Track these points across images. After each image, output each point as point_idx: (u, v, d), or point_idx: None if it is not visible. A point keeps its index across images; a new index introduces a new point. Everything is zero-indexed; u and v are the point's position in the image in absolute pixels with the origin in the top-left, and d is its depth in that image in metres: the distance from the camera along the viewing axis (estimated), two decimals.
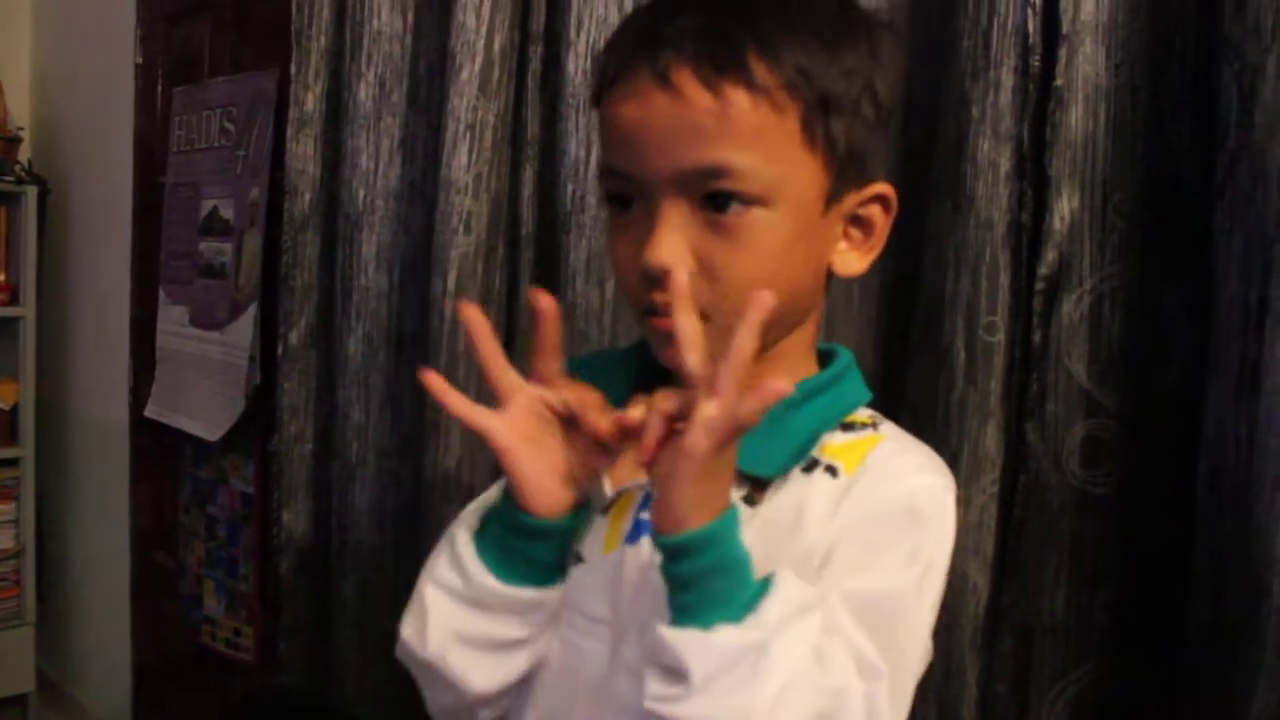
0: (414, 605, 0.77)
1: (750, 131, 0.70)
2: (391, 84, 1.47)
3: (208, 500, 2.13)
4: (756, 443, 0.69)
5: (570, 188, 1.26)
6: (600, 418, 0.71)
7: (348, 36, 1.48)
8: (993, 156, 0.94)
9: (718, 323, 0.70)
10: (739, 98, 0.69)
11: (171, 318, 2.15)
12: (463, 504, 1.31)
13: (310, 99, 1.57)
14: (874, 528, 0.71)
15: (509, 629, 0.75)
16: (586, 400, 0.73)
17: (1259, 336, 0.79)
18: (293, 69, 1.57)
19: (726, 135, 0.69)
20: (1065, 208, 0.93)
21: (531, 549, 0.74)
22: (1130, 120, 0.93)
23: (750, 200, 0.70)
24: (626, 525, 0.76)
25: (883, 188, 0.77)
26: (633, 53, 0.73)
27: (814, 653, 0.64)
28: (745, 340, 0.63)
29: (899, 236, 0.81)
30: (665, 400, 0.66)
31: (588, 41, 1.24)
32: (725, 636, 0.63)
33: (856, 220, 0.77)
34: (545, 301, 0.72)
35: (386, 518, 1.51)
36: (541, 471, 0.72)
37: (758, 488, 0.73)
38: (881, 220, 0.77)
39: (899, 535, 0.71)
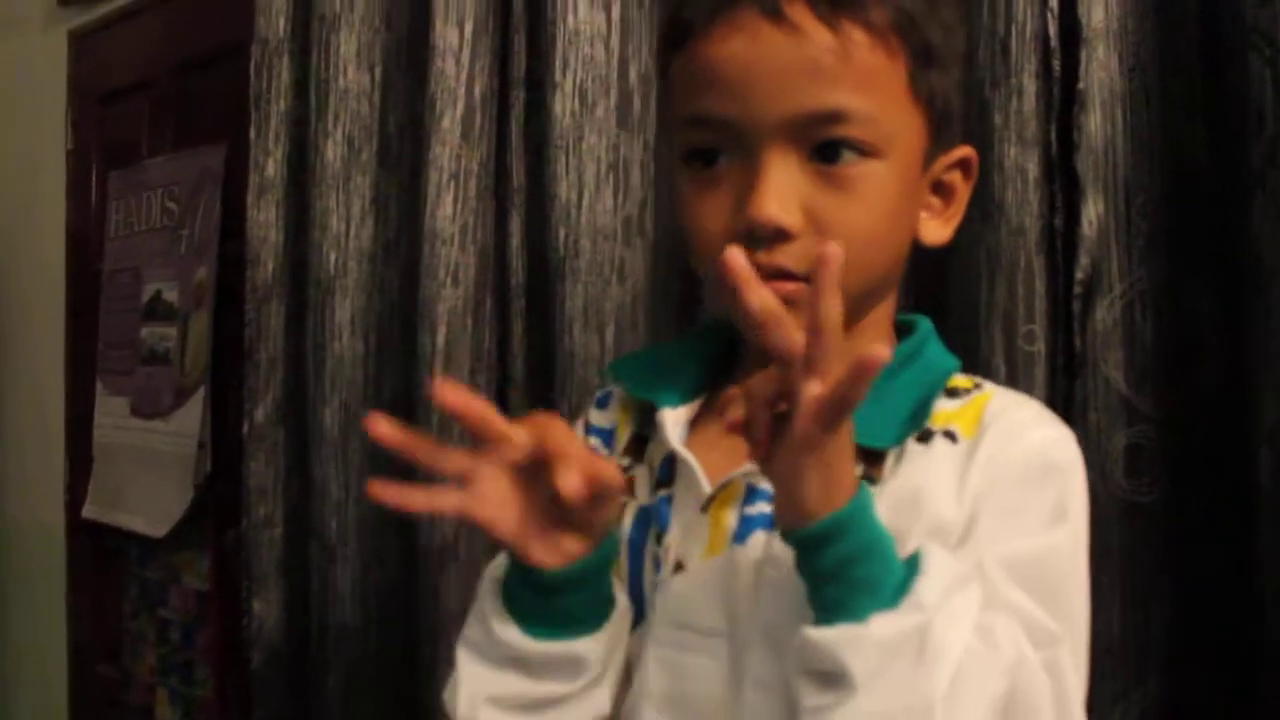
0: (455, 666, 0.71)
1: (868, 74, 0.66)
2: (361, 142, 1.42)
3: (158, 603, 2.00)
4: (863, 416, 0.63)
5: (563, 232, 1.22)
6: (566, 475, 0.62)
7: (312, 97, 1.44)
8: (1020, 162, 0.93)
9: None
10: (859, 36, 0.65)
11: (110, 410, 2.04)
12: (460, 576, 1.28)
13: (271, 164, 1.52)
14: (1011, 490, 0.65)
15: (546, 687, 0.67)
16: (557, 448, 0.64)
17: None
18: (252, 134, 1.51)
19: (846, 77, 0.65)
20: (1093, 212, 0.92)
21: (555, 603, 0.67)
22: (1146, 124, 0.93)
23: (865, 150, 0.66)
24: (732, 523, 0.69)
25: (967, 151, 0.74)
26: None
27: (980, 630, 0.57)
28: (830, 305, 0.56)
29: (920, 247, 0.78)
30: (762, 385, 0.59)
31: (575, 82, 1.21)
32: (883, 626, 0.56)
33: (938, 187, 0.74)
34: (448, 399, 0.65)
35: (371, 599, 1.42)
36: (532, 531, 0.65)
37: (873, 463, 0.68)
38: (962, 187, 0.75)
39: (1038, 493, 0.65)
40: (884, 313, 0.76)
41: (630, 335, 1.21)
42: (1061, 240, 0.93)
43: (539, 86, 1.26)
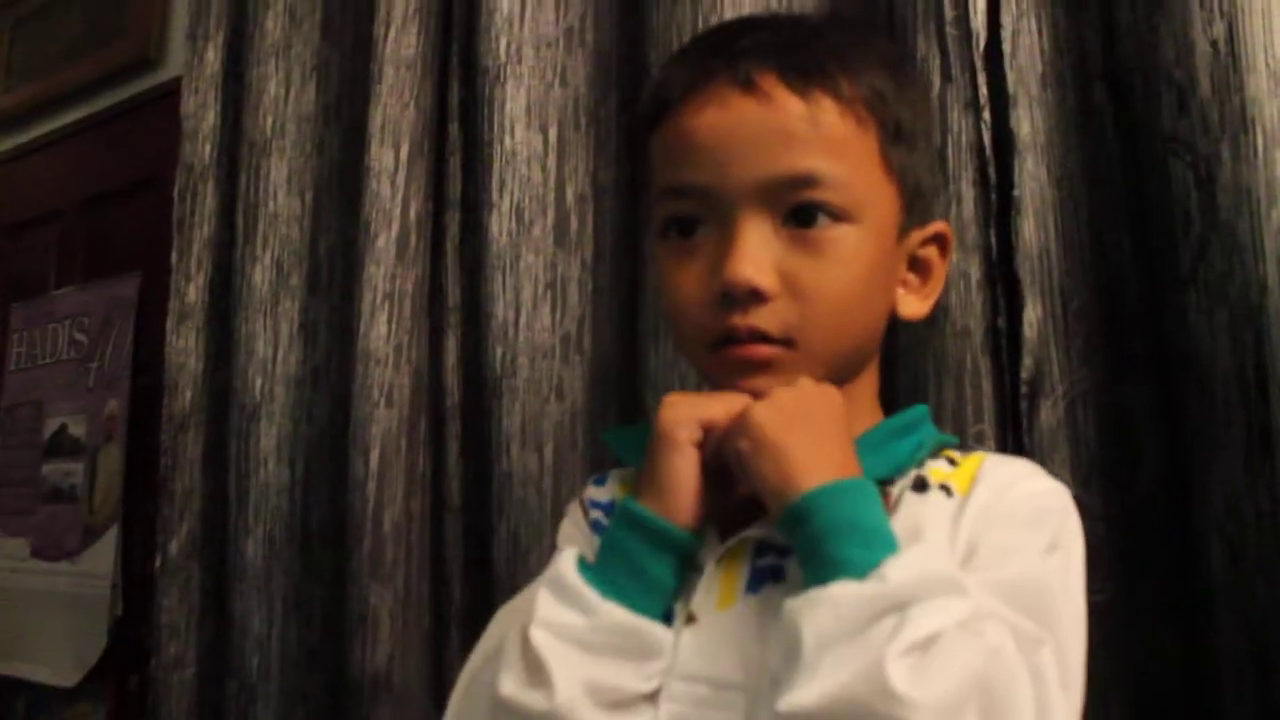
0: (513, 658, 0.64)
1: (839, 141, 0.67)
2: (290, 267, 1.41)
3: None
4: (871, 456, 0.66)
5: (500, 350, 1.21)
6: None
7: (240, 222, 1.43)
8: (963, 267, 0.96)
9: (806, 347, 0.67)
10: (829, 104, 0.67)
11: (6, 552, 1.93)
12: (392, 707, 1.22)
13: (193, 290, 1.49)
14: (1004, 532, 0.65)
15: (633, 679, 0.64)
16: None
17: (1264, 401, 0.81)
18: (174, 259, 1.49)
19: (817, 142, 0.67)
20: (1032, 314, 0.95)
21: (667, 571, 0.66)
22: (1076, 231, 0.97)
23: (838, 214, 0.68)
24: (743, 575, 0.68)
25: (941, 226, 0.76)
26: (708, 64, 0.70)
27: (963, 625, 0.56)
28: None
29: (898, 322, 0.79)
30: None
31: (512, 202, 1.22)
32: (841, 590, 0.57)
33: (914, 263, 0.75)
34: None
35: None
36: (697, 479, 0.67)
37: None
38: (939, 263, 0.76)
39: (1031, 533, 0.65)
40: (867, 386, 0.76)
41: (570, 454, 1.19)
42: (1006, 341, 0.95)
43: (475, 207, 1.27)
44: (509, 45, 1.24)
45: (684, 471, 0.67)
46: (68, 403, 1.85)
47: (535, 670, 0.63)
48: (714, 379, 0.74)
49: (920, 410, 0.77)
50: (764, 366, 0.68)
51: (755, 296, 0.67)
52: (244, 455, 1.38)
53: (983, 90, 0.97)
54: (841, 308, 0.68)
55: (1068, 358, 0.96)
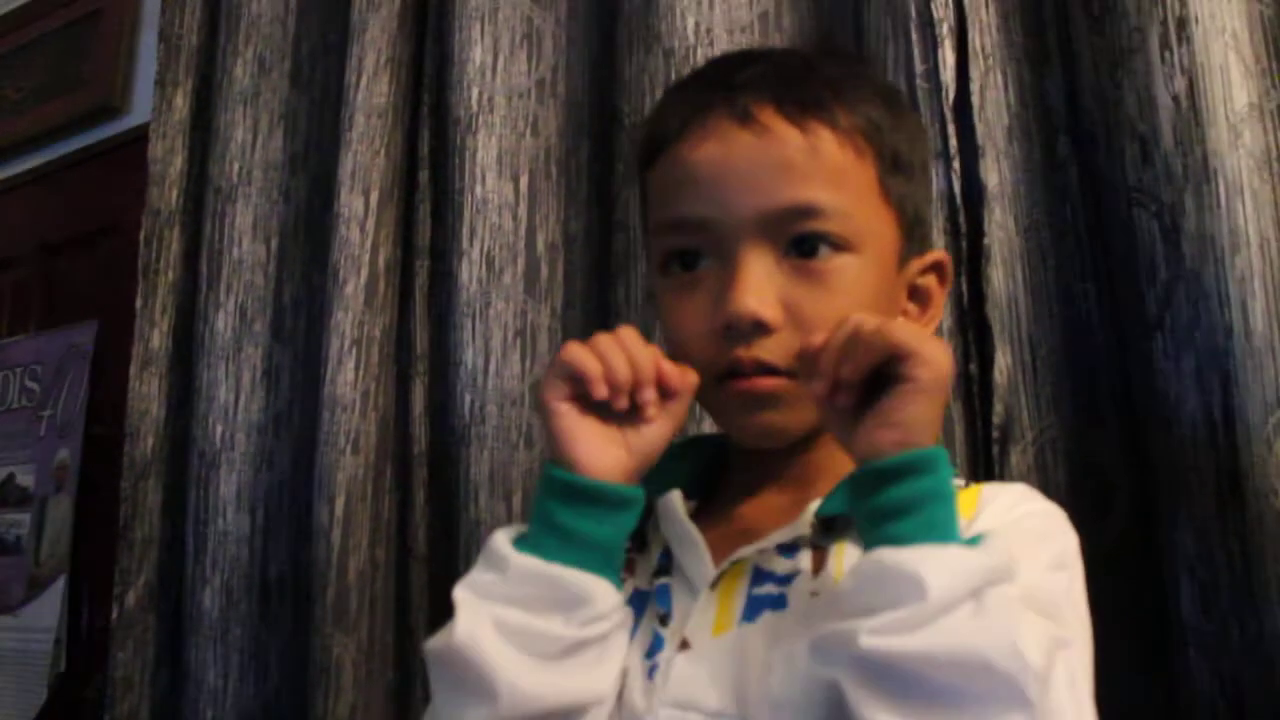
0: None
1: (838, 171, 0.68)
2: (254, 313, 1.40)
3: None
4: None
5: (468, 398, 1.20)
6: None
7: (204, 267, 1.41)
8: None
9: (803, 375, 0.65)
10: (827, 135, 0.68)
11: None
12: None
13: (157, 335, 1.47)
14: (1012, 545, 0.63)
15: (563, 627, 0.63)
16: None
17: (1232, 445, 0.83)
18: (138, 304, 1.47)
19: (816, 173, 0.67)
20: (1003, 361, 0.97)
21: (585, 522, 0.65)
22: (1043, 280, 0.99)
23: (840, 244, 0.68)
24: (740, 602, 0.67)
25: (940, 255, 0.77)
26: (706, 97, 0.70)
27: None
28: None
29: None
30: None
31: (482, 250, 1.23)
32: (961, 554, 0.57)
33: (913, 292, 0.75)
34: None
35: None
36: (593, 429, 0.67)
37: None
38: (938, 291, 0.76)
39: (1038, 547, 0.65)
40: None
41: None
42: (978, 387, 0.97)
43: (444, 254, 1.27)
44: (481, 95, 1.26)
45: (567, 427, 0.67)
46: (17, 452, 1.81)
47: (448, 624, 0.64)
48: (718, 412, 0.74)
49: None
50: (768, 400, 0.68)
51: (759, 329, 0.67)
52: (203, 503, 1.36)
53: (953, 141, 0.99)
54: None
55: (1037, 404, 0.97)
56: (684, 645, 0.66)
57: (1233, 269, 0.84)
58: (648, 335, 1.08)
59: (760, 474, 0.74)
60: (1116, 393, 0.95)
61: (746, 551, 0.68)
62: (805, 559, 0.67)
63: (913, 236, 0.73)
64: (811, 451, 0.73)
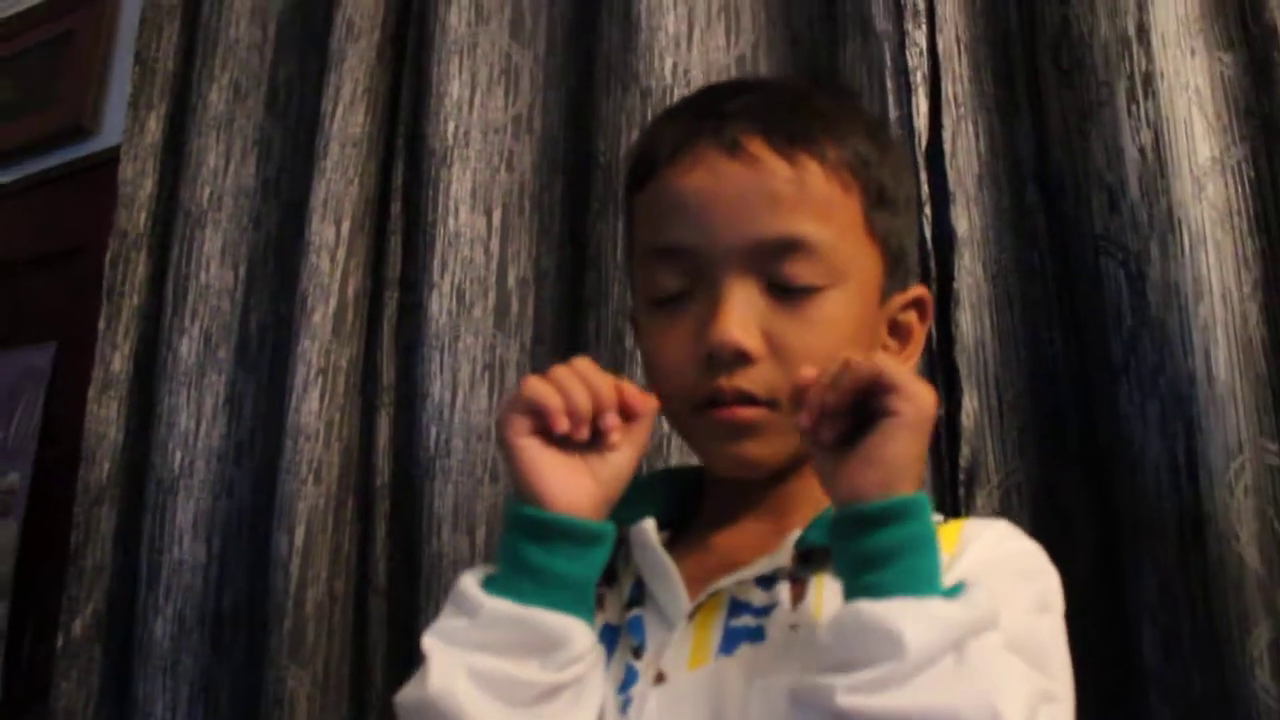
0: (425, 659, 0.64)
1: (825, 204, 0.68)
2: (219, 339, 1.38)
3: None
4: None
5: (434, 430, 1.19)
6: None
7: (170, 292, 1.40)
8: None
9: (790, 410, 0.65)
10: (814, 168, 0.68)
11: None
12: None
13: (119, 359, 1.45)
14: (995, 583, 0.63)
15: (538, 672, 0.62)
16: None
17: (1195, 490, 0.84)
18: (101, 326, 1.45)
19: (803, 205, 0.68)
20: (970, 405, 0.98)
21: (558, 560, 0.64)
22: (1010, 325, 1.00)
23: (824, 279, 0.68)
24: (717, 635, 0.66)
25: (921, 291, 0.77)
26: (694, 127, 0.70)
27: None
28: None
29: None
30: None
31: (453, 283, 1.22)
32: (943, 607, 0.56)
33: (894, 328, 0.76)
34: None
35: None
36: (558, 462, 0.66)
37: None
38: (918, 327, 0.77)
39: (1022, 588, 0.65)
40: None
41: None
42: (945, 430, 0.97)
43: (414, 286, 1.26)
44: (457, 129, 1.26)
45: (531, 462, 0.66)
46: None
47: (420, 674, 0.63)
48: (697, 441, 0.74)
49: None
50: (748, 429, 0.68)
51: (741, 359, 0.67)
52: (158, 530, 1.33)
53: (924, 187, 1.01)
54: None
55: (1003, 447, 0.98)
56: (659, 679, 0.66)
57: (1196, 317, 0.86)
58: (619, 372, 1.10)
59: (737, 504, 0.74)
60: (1082, 437, 0.96)
61: (725, 583, 0.67)
62: (784, 591, 0.67)
63: (895, 272, 0.74)
64: (789, 482, 0.73)
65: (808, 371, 0.64)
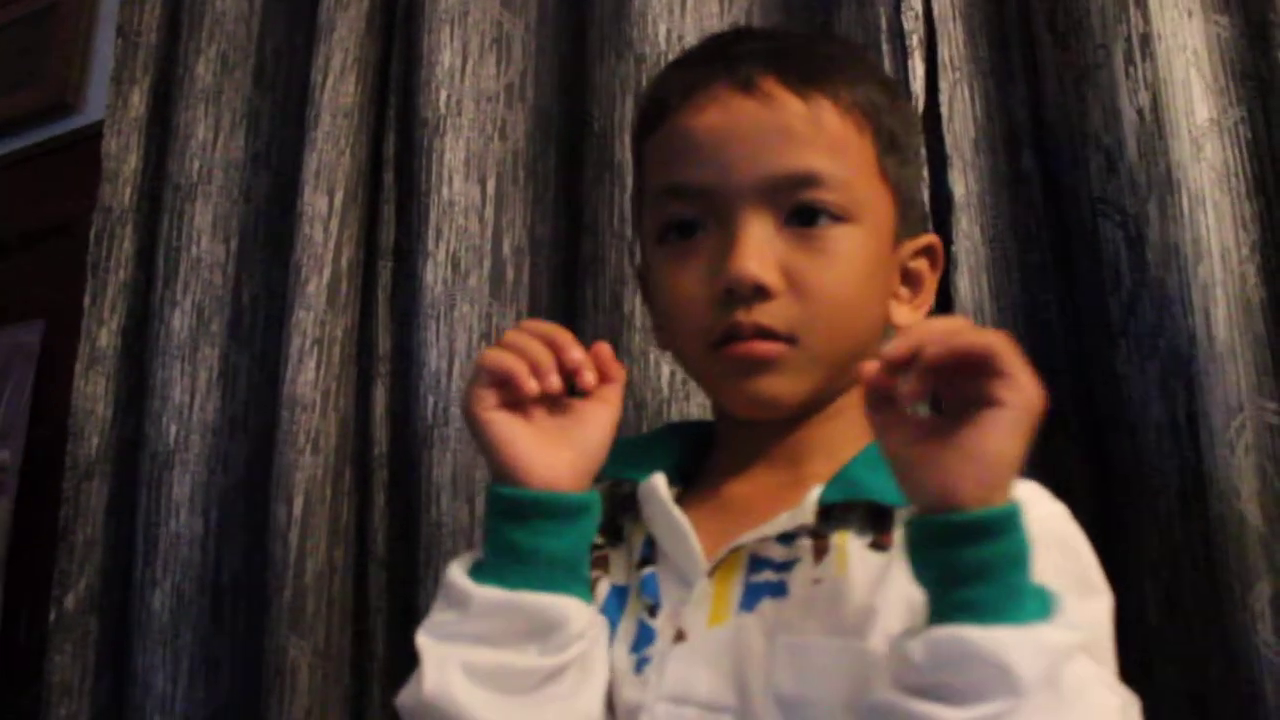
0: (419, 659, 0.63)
1: (839, 142, 0.68)
2: (212, 313, 1.38)
3: None
4: (873, 479, 0.63)
5: (431, 400, 1.19)
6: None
7: (160, 266, 1.39)
8: None
9: (809, 346, 0.66)
10: (828, 106, 0.68)
11: None
12: None
13: (105, 334, 1.44)
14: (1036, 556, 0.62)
15: (535, 657, 0.61)
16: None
17: (1195, 448, 0.85)
18: (86, 302, 1.44)
19: (818, 141, 0.67)
20: None
21: (543, 538, 0.63)
22: (1007, 289, 1.01)
23: (839, 215, 0.68)
24: (737, 591, 0.65)
25: (932, 238, 0.77)
26: (706, 69, 0.70)
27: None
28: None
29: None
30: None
31: (448, 251, 1.22)
32: (1049, 635, 0.52)
33: (905, 276, 0.75)
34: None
35: None
36: (530, 432, 0.64)
37: (881, 529, 0.65)
38: (929, 276, 0.76)
39: (1060, 569, 0.61)
40: (859, 399, 0.74)
41: None
42: None
43: (408, 255, 1.26)
44: (449, 98, 1.25)
45: (502, 435, 0.64)
46: None
47: (416, 674, 0.62)
48: (712, 380, 0.73)
49: None
50: (767, 364, 0.67)
51: (759, 293, 0.66)
52: (154, 505, 1.32)
53: (921, 151, 1.01)
54: (843, 306, 0.68)
55: None
56: (679, 637, 0.65)
57: (1196, 277, 0.86)
58: (614, 339, 1.10)
59: (750, 453, 0.73)
60: (1078, 399, 0.97)
61: (746, 539, 0.66)
62: (805, 545, 0.66)
63: (907, 218, 0.74)
64: (804, 428, 0.72)
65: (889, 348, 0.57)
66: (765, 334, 0.67)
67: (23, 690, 1.55)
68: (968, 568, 0.54)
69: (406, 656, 1.14)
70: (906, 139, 0.74)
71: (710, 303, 0.68)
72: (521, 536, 0.63)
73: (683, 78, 0.72)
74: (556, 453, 0.65)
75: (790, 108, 0.68)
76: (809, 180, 0.67)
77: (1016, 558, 0.54)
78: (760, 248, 0.66)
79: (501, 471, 0.65)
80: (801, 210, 0.68)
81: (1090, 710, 0.54)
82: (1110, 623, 0.64)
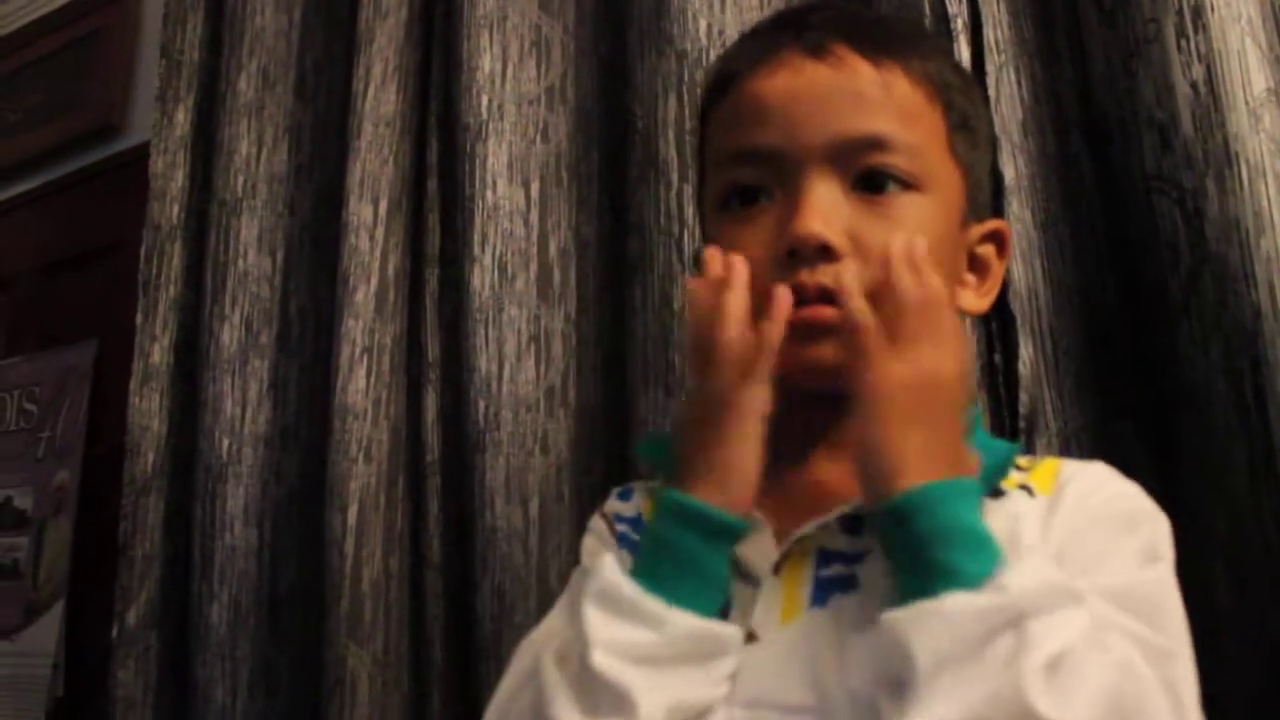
0: (561, 685, 0.58)
1: (910, 110, 0.67)
2: (260, 326, 1.39)
3: None
4: None
5: (482, 404, 1.19)
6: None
7: (209, 281, 1.40)
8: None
9: (878, 309, 0.62)
10: (900, 74, 0.67)
11: None
12: None
13: (158, 351, 1.46)
14: (1099, 537, 0.61)
15: (706, 687, 0.59)
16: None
17: (1265, 427, 0.82)
18: (139, 320, 1.46)
19: (889, 107, 0.66)
20: (1026, 353, 0.96)
21: (718, 562, 0.61)
22: (1062, 273, 0.99)
23: (908, 182, 0.66)
24: (807, 587, 0.63)
25: (1000, 223, 0.75)
26: (777, 36, 0.69)
27: (1088, 638, 0.52)
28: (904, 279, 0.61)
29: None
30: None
31: (494, 256, 1.22)
32: (955, 603, 0.51)
33: (972, 262, 0.74)
34: None
35: None
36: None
37: None
38: (996, 262, 0.75)
39: (1128, 539, 0.62)
40: None
41: (556, 507, 1.17)
42: (1003, 377, 0.96)
43: (455, 262, 1.26)
44: (490, 103, 1.25)
45: (746, 450, 0.62)
46: (14, 475, 1.78)
47: (609, 697, 0.57)
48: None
49: (973, 413, 0.71)
50: (828, 330, 0.64)
51: (824, 253, 0.64)
52: (209, 518, 1.34)
53: (992, 139, 0.99)
54: None
55: (1060, 396, 0.97)
56: (750, 638, 0.62)
57: (1258, 250, 0.84)
58: (665, 336, 1.09)
59: (807, 440, 0.70)
60: (1140, 381, 0.95)
61: (808, 529, 0.64)
62: (872, 536, 0.63)
63: (975, 201, 0.72)
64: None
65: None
66: (829, 298, 0.64)
67: (88, 706, 1.57)
68: (898, 557, 0.57)
69: (465, 661, 1.16)
70: (978, 123, 0.73)
71: (772, 265, 0.65)
72: (718, 563, 0.61)
73: (753, 46, 0.72)
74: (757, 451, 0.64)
75: (861, 72, 0.67)
76: (878, 143, 0.66)
77: (932, 539, 0.55)
78: (826, 208, 0.65)
79: (715, 483, 0.62)
80: (869, 176, 0.66)
81: (1039, 667, 0.50)
82: (1169, 590, 0.62)
